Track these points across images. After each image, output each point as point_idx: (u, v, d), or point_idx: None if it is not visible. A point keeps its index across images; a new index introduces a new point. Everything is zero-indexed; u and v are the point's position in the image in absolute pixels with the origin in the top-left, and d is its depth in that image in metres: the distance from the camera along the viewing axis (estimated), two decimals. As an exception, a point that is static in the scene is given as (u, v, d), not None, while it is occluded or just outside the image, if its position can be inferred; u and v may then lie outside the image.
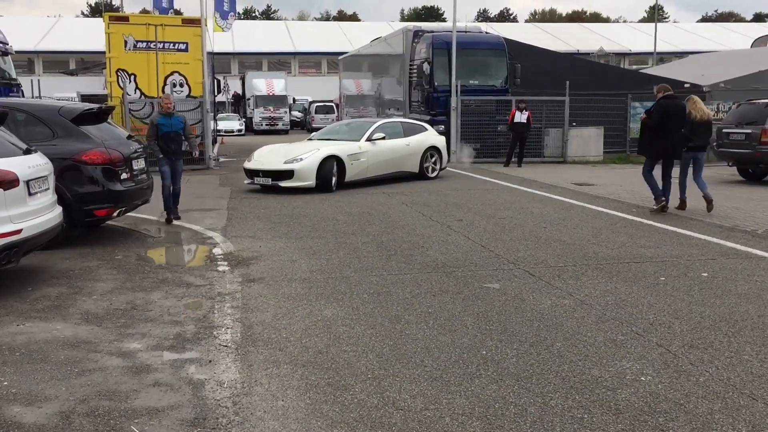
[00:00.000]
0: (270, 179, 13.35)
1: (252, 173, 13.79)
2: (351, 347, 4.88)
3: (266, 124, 41.16)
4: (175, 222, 10.03)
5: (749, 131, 14.70)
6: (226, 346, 4.93)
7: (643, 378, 4.30)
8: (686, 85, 23.00)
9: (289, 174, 13.20)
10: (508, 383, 4.24)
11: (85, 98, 28.13)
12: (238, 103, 46.60)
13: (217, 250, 8.19)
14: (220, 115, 34.95)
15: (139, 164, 8.95)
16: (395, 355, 4.73)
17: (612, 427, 3.67)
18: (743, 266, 7.27)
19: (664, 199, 10.71)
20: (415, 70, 20.99)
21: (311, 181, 13.19)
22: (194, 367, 4.55)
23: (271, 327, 5.34)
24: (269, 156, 14.01)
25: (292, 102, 46.37)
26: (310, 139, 15.53)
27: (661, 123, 10.54)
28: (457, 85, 19.28)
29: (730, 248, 8.18)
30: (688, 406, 3.91)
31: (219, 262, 7.57)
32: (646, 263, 7.40)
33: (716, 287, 6.42)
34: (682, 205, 11.05)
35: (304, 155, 13.38)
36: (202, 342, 5.02)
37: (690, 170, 11.06)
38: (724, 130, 15.53)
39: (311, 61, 58.22)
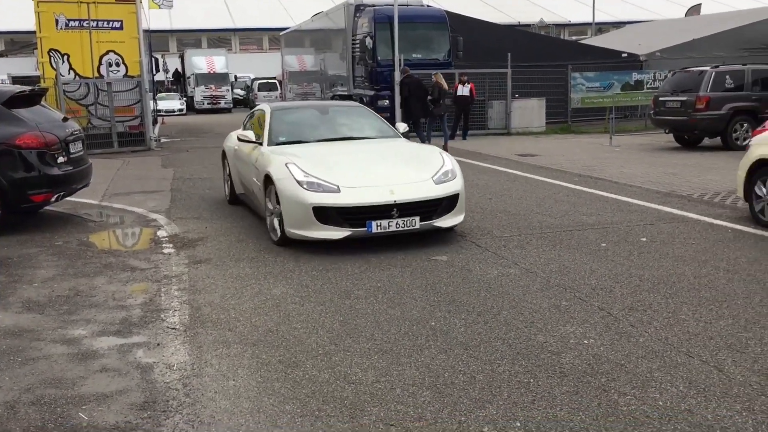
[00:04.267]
0: (418, 219, 6.89)
1: (357, 213, 6.75)
2: (301, 324, 4.89)
3: (208, 103, 40.35)
4: (116, 205, 9.76)
5: (684, 99, 15.11)
6: (174, 328, 4.88)
7: (585, 341, 4.44)
8: (624, 55, 23.41)
9: (451, 202, 7.20)
10: (456, 352, 4.32)
11: (16, 80, 27.14)
12: (179, 82, 45.52)
13: (161, 233, 8.06)
14: (159, 95, 34.14)
15: (76, 147, 8.70)
16: (345, 330, 4.76)
17: (557, 389, 3.78)
18: (680, 230, 7.53)
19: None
20: (357, 45, 20.82)
21: (463, 212, 7.52)
22: (142, 351, 4.50)
23: (220, 307, 5.30)
24: (361, 174, 7.12)
25: (233, 80, 45.60)
26: (246, 130, 8.89)
27: (408, 96, 15.92)
28: (399, 59, 19.24)
29: (667, 213, 8.46)
30: (628, 366, 4.06)
31: (164, 245, 7.45)
32: (588, 230, 7.59)
33: (654, 251, 6.64)
34: (445, 147, 14.74)
35: (444, 165, 7.45)
36: (150, 326, 4.95)
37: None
38: (660, 98, 15.92)
39: (252, 38, 57.17)
